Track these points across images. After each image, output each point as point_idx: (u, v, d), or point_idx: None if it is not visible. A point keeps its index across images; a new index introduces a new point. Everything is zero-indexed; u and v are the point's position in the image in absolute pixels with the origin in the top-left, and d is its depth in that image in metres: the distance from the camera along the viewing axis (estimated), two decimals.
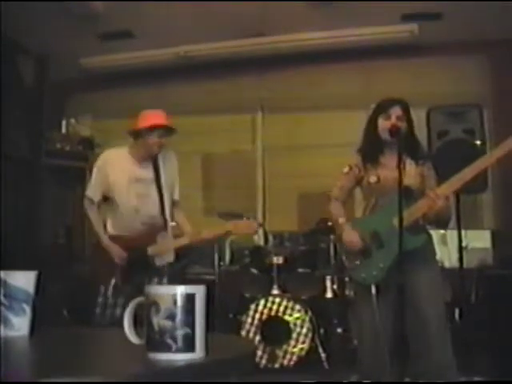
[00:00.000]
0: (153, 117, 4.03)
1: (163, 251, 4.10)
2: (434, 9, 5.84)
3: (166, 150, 4.14)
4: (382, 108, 3.54)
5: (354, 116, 6.13)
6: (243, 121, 7.34)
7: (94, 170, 4.17)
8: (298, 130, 7.05)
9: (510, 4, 5.35)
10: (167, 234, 4.16)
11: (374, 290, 3.39)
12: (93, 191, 4.12)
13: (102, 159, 4.17)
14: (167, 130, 4.02)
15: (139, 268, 3.98)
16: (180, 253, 4.39)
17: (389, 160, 3.47)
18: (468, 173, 3.28)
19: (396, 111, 3.47)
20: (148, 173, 4.10)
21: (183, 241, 4.12)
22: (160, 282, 4.04)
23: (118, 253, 3.99)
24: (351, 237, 3.47)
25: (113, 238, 4.04)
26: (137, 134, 4.05)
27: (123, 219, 4.06)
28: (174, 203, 4.26)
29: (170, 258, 4.18)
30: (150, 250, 4.03)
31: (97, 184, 4.11)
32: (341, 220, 3.55)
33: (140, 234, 4.03)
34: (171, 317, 1.16)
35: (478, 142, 5.02)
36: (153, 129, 3.97)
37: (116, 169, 4.07)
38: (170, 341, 1.15)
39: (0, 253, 4.45)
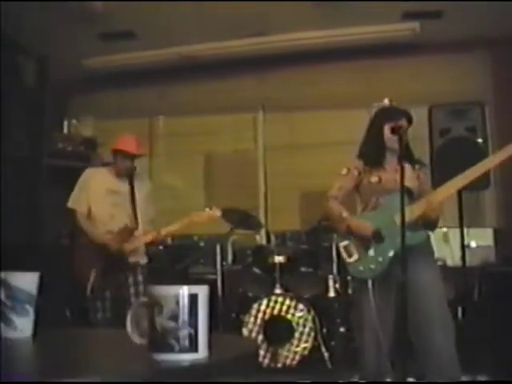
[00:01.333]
0: (120, 142, 4.58)
1: (139, 244, 4.54)
2: (435, 7, 5.83)
3: (142, 177, 4.83)
4: (389, 116, 3.57)
5: (355, 115, 6.13)
6: (245, 120, 7.34)
7: (78, 185, 4.63)
8: (299, 129, 7.05)
9: (510, 2, 5.34)
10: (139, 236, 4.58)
11: (370, 283, 3.39)
12: (77, 204, 4.56)
13: (85, 175, 4.66)
14: (132, 156, 4.55)
15: (115, 269, 4.40)
16: (182, 253, 4.58)
17: (389, 165, 3.52)
18: (469, 174, 3.32)
19: (403, 124, 3.49)
20: (124, 186, 4.60)
21: (148, 237, 4.52)
22: (135, 281, 4.50)
23: (114, 246, 4.40)
24: (360, 225, 3.48)
25: (91, 244, 4.45)
26: (113, 154, 4.63)
27: (100, 225, 4.50)
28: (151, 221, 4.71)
29: (143, 259, 4.64)
30: (127, 247, 4.44)
31: (81, 197, 4.56)
32: (344, 214, 3.56)
33: (117, 235, 4.45)
34: (174, 317, 1.16)
35: (480, 140, 5.03)
36: (117, 152, 4.54)
37: (96, 183, 4.59)
38: (172, 341, 1.15)
39: (0, 253, 4.45)
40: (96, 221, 4.52)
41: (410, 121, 3.57)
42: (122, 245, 4.42)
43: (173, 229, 4.57)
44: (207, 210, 4.55)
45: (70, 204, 4.56)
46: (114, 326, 4.28)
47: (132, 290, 4.46)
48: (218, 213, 4.58)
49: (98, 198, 4.53)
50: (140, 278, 4.52)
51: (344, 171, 3.67)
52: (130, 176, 4.63)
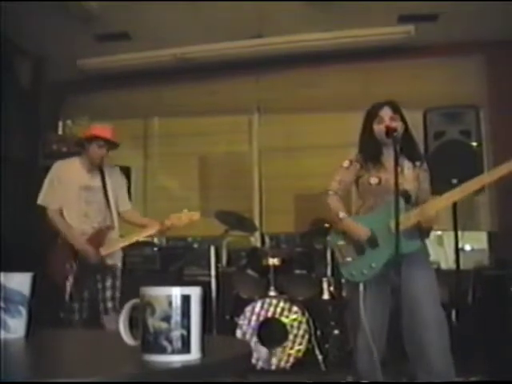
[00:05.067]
0: (96, 129, 4.41)
1: (115, 249, 4.36)
2: (431, 10, 5.85)
3: (110, 165, 4.56)
4: (373, 113, 3.55)
5: (350, 117, 6.12)
6: (240, 122, 7.34)
7: (47, 180, 4.40)
8: (294, 131, 7.05)
9: (506, 5, 5.36)
10: (114, 235, 4.44)
11: (361, 287, 3.39)
12: (48, 200, 4.35)
13: (55, 170, 4.42)
14: (108, 143, 4.36)
15: (92, 270, 4.25)
16: (177, 254, 4.50)
17: (388, 161, 3.46)
18: (466, 188, 3.31)
19: (387, 112, 3.49)
20: (96, 181, 4.41)
21: (152, 229, 4.37)
22: (113, 283, 4.36)
23: (91, 254, 4.23)
24: (357, 228, 3.47)
25: (66, 244, 4.27)
26: (81, 144, 4.43)
27: (74, 224, 4.32)
28: (126, 211, 4.59)
29: (119, 261, 4.47)
30: (103, 251, 4.28)
31: (51, 193, 4.35)
32: (342, 214, 3.53)
33: (90, 238, 4.29)
34: (166, 318, 1.16)
35: (475, 143, 5.03)
36: (92, 139, 4.33)
37: (66, 178, 4.36)
38: (165, 342, 1.15)
39: (0, 254, 4.46)
40: (69, 219, 4.32)
41: (395, 107, 3.52)
42: (98, 248, 4.25)
43: (145, 234, 4.44)
44: (185, 211, 4.38)
45: (39, 201, 4.35)
46: (89, 327, 4.18)
47: (109, 294, 4.30)
48: (196, 216, 4.40)
49: (71, 195, 4.32)
50: (117, 281, 4.38)
51: (346, 163, 3.63)
52: (101, 168, 4.43)
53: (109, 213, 4.40)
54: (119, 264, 4.47)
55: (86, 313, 4.28)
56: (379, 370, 3.31)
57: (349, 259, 3.48)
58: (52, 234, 4.38)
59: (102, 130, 4.39)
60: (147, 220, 4.56)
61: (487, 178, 3.42)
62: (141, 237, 4.47)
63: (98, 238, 4.31)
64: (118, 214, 4.52)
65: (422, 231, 3.45)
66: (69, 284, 4.13)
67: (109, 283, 4.33)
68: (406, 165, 3.51)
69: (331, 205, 3.60)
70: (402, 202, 3.26)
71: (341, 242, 3.55)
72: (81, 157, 4.45)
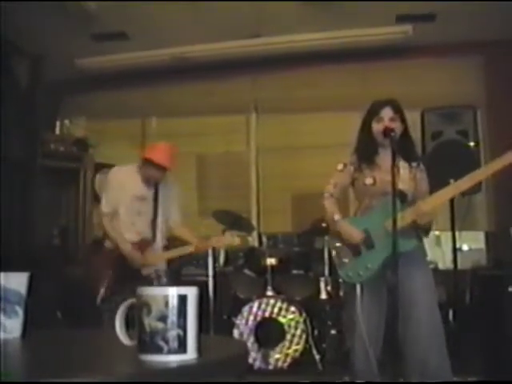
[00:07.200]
0: (154, 152, 4.34)
1: (151, 263, 4.39)
2: (429, 10, 5.85)
3: (167, 177, 4.48)
4: (373, 111, 3.54)
5: (348, 117, 6.12)
6: (237, 122, 7.33)
7: (107, 185, 4.48)
8: (292, 131, 7.04)
9: (504, 5, 5.36)
10: (156, 247, 4.48)
11: (358, 289, 3.39)
12: (107, 206, 4.39)
13: (114, 175, 4.48)
14: (161, 168, 4.32)
15: (128, 278, 4.20)
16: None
17: (384, 161, 3.46)
18: (462, 184, 3.29)
19: (387, 113, 3.48)
20: (150, 192, 4.43)
21: (189, 248, 4.39)
22: (160, 284, 4.34)
23: (137, 259, 4.29)
24: (351, 232, 3.47)
25: (110, 249, 4.33)
26: (143, 160, 4.39)
27: (121, 231, 4.34)
28: (174, 222, 4.61)
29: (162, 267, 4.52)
30: (139, 261, 4.32)
31: (110, 198, 4.39)
32: (336, 217, 3.53)
33: (134, 247, 4.32)
34: (163, 318, 1.16)
35: (472, 144, 5.04)
36: (148, 162, 4.30)
37: (124, 186, 4.37)
38: (161, 342, 1.15)
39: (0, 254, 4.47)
40: (118, 226, 4.35)
41: (397, 108, 3.51)
42: (142, 258, 4.30)
43: (184, 252, 4.43)
44: (227, 234, 4.47)
45: (103, 207, 4.40)
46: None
47: None
48: (237, 241, 4.42)
49: (123, 203, 4.36)
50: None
51: (340, 166, 3.64)
52: (155, 183, 4.45)
53: (155, 225, 4.43)
54: (160, 272, 4.48)
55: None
56: (376, 371, 3.31)
57: (345, 260, 3.48)
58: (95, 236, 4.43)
59: (161, 154, 4.31)
60: (191, 237, 4.52)
61: (481, 174, 3.40)
62: (180, 253, 4.47)
63: (140, 248, 4.35)
64: (166, 226, 4.54)
65: (419, 230, 3.46)
66: (103, 288, 4.16)
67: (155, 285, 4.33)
68: (402, 165, 3.50)
69: (327, 207, 3.60)
70: (397, 201, 3.25)
71: (337, 244, 3.56)
72: (138, 166, 4.45)
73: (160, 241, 4.48)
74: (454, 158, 4.85)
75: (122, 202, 4.35)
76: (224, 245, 4.50)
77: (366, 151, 3.57)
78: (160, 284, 4.35)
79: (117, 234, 4.33)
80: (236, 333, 5.01)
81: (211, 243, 4.40)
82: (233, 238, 4.43)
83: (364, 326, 3.31)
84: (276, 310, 5.04)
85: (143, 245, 4.36)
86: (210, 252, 4.64)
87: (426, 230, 3.54)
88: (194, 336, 1.19)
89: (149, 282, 4.35)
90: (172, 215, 4.59)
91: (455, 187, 3.33)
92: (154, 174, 4.34)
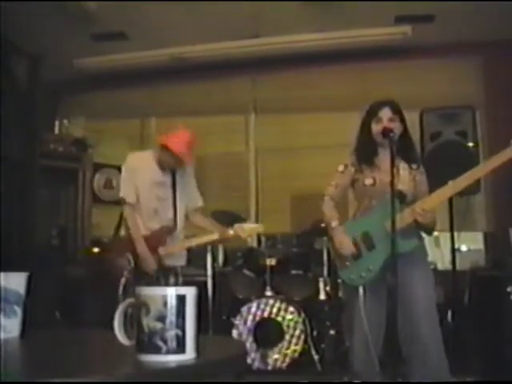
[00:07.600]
0: (172, 138, 4.22)
1: (173, 251, 4.27)
2: (427, 11, 5.85)
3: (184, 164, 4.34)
4: (372, 112, 3.53)
5: (347, 117, 6.13)
6: (236, 122, 7.34)
7: (124, 172, 4.34)
8: (291, 131, 7.05)
9: (502, 5, 5.37)
10: (178, 236, 4.35)
11: (361, 291, 3.39)
12: (127, 193, 4.25)
13: (130, 161, 4.35)
14: (176, 156, 4.20)
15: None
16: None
17: (383, 162, 3.45)
18: (458, 184, 3.28)
19: (386, 113, 3.47)
20: (168, 178, 4.32)
21: (214, 236, 4.29)
22: (176, 283, 4.25)
23: (150, 263, 4.14)
24: (343, 243, 3.46)
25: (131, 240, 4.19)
26: (159, 146, 4.28)
27: (143, 220, 4.24)
28: (196, 210, 4.51)
29: (182, 261, 4.40)
30: (161, 251, 4.19)
31: (129, 186, 4.25)
32: (333, 224, 3.52)
33: (154, 235, 4.21)
34: (161, 318, 1.16)
35: (471, 144, 5.04)
36: (164, 149, 4.20)
37: (141, 171, 4.27)
38: (159, 342, 1.15)
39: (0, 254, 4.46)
40: (139, 215, 4.23)
41: (396, 108, 3.50)
42: (157, 249, 4.17)
43: (206, 240, 4.33)
44: (249, 223, 4.42)
45: (121, 193, 4.24)
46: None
47: None
48: (260, 228, 4.41)
49: (143, 190, 4.23)
50: (180, 280, 4.31)
51: (341, 168, 3.63)
52: (172, 170, 4.34)
53: (175, 211, 4.32)
54: (183, 263, 4.41)
55: None
56: (377, 371, 3.31)
57: (347, 263, 3.48)
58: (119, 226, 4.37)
59: (177, 141, 4.21)
60: (213, 225, 4.44)
61: (478, 172, 3.39)
62: (202, 241, 4.36)
63: (161, 236, 4.23)
64: (188, 213, 4.45)
65: (421, 230, 3.45)
66: (124, 278, 4.04)
67: (171, 282, 4.24)
68: (402, 166, 3.49)
69: (325, 212, 3.59)
70: (397, 202, 3.24)
71: None
72: (154, 151, 4.36)
73: (181, 228, 4.37)
74: (452, 158, 4.84)
75: (142, 189, 4.23)
76: (247, 234, 4.31)
77: (365, 152, 3.57)
78: (175, 283, 4.25)
79: (135, 230, 4.19)
80: (235, 333, 5.01)
81: (235, 232, 4.26)
82: (256, 226, 4.42)
83: (367, 327, 3.31)
84: (275, 310, 5.04)
85: (164, 233, 4.24)
86: (209, 252, 4.63)
87: (430, 230, 3.53)
88: (192, 336, 1.19)
89: (174, 273, 4.30)
90: (193, 199, 4.49)
91: (453, 186, 3.32)
92: (169, 161, 4.23)
